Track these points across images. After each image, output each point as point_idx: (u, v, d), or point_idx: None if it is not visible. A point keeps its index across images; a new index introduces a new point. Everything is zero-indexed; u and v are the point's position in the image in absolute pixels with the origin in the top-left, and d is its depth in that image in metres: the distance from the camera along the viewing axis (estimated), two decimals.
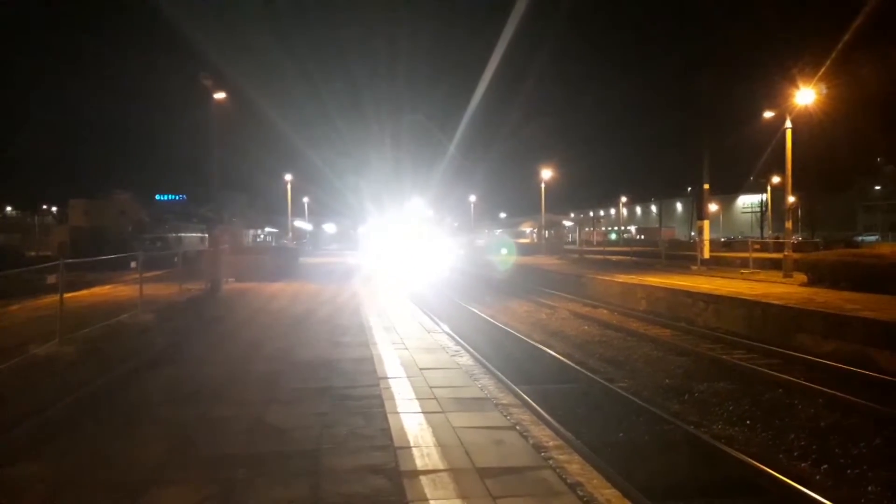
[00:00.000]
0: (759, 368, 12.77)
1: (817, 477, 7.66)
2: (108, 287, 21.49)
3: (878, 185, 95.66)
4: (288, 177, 58.40)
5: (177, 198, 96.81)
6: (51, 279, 17.10)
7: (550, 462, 5.51)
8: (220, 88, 19.89)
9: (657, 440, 8.90)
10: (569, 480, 5.12)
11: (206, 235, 40.75)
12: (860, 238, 68.71)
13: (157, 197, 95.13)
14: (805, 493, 6.90)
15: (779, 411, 10.21)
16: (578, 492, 4.91)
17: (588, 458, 5.97)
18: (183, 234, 47.88)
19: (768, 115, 27.43)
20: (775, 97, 26.58)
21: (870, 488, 7.33)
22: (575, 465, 5.46)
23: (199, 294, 18.68)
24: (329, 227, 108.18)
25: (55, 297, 11.93)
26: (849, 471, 7.81)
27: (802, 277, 22.58)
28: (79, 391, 8.03)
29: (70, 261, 13.73)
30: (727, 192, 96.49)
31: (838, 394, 10.67)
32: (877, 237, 73.19)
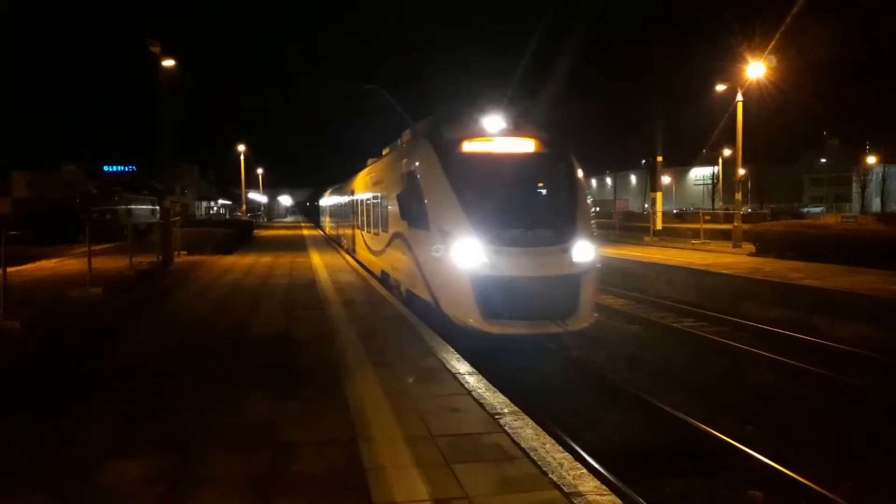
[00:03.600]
0: (708, 336, 13.15)
1: (761, 438, 7.95)
2: (54, 261, 20.90)
3: (823, 157, 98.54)
4: (241, 147, 56.95)
5: (127, 169, 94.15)
6: None
7: (505, 428, 5.59)
8: (170, 55, 19.26)
9: (609, 406, 9.11)
10: (522, 445, 5.21)
11: (157, 207, 39.87)
12: (806, 209, 70.88)
13: (106, 168, 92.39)
14: (749, 454, 7.16)
15: (726, 377, 10.55)
16: (532, 456, 5.00)
17: (542, 423, 6.06)
18: (133, 207, 46.58)
19: (720, 88, 27.87)
20: (728, 71, 27.01)
21: (812, 449, 7.64)
22: (528, 431, 5.54)
23: (150, 267, 18.29)
24: (284, 199, 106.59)
25: None
26: (791, 432, 8.13)
27: (751, 247, 23.21)
28: (25, 367, 7.82)
29: (13, 233, 13.30)
30: (680, 165, 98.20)
31: (782, 359, 11.07)
32: (822, 208, 75.57)
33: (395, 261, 13.87)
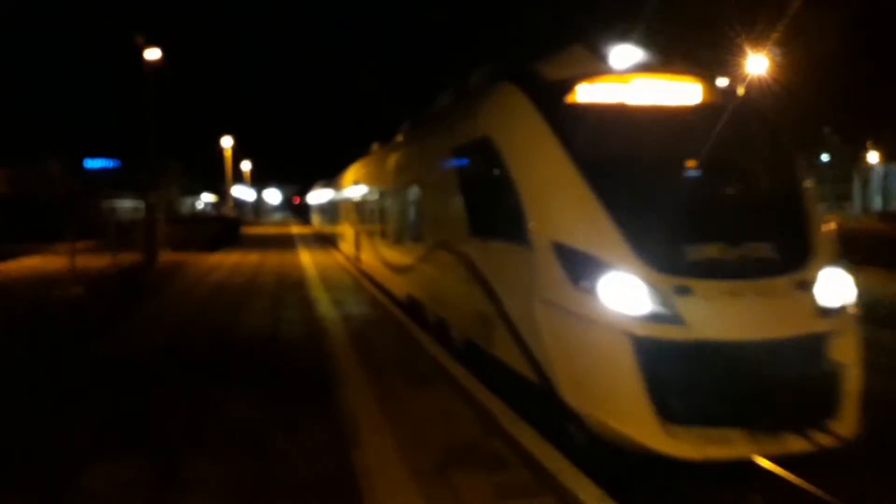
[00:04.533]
0: None
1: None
2: (36, 258, 20.50)
3: (824, 155, 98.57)
4: (227, 142, 55.80)
5: (109, 163, 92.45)
6: None
7: (501, 434, 5.38)
8: (154, 44, 18.83)
9: None
10: (519, 452, 5.02)
11: (142, 203, 39.33)
12: None
13: (88, 163, 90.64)
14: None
15: None
16: (530, 463, 4.82)
17: (539, 430, 5.86)
18: (117, 203, 45.99)
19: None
20: (728, 65, 26.82)
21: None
22: (526, 437, 5.34)
23: (134, 265, 17.94)
24: (272, 195, 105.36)
25: None
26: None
27: None
28: (3, 368, 7.53)
29: None
30: None
31: None
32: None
33: (439, 287, 9.04)
